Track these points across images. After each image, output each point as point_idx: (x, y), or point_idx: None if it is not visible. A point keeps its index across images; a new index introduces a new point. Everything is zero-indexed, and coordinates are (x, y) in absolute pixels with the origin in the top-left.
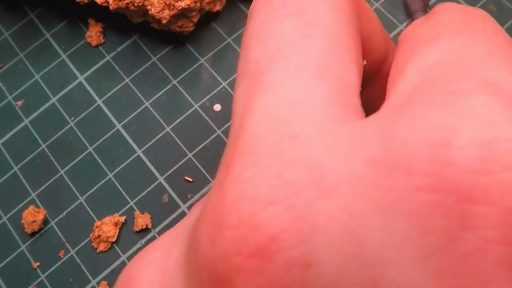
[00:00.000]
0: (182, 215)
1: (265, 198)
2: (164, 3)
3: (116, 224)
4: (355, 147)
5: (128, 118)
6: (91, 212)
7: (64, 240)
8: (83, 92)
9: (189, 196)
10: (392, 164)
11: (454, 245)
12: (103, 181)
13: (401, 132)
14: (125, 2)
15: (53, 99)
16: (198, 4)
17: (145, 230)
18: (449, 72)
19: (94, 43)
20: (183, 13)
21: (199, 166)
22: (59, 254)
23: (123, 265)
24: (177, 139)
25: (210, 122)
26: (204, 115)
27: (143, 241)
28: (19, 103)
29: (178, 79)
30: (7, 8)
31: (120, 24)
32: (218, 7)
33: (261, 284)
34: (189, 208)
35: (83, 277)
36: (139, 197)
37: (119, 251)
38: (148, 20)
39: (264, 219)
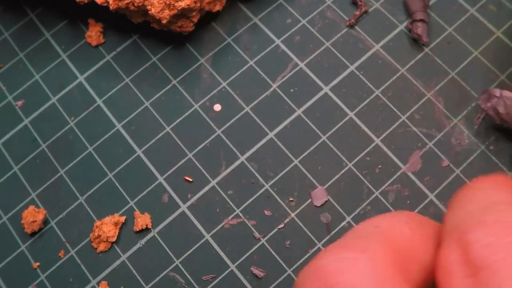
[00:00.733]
0: (182, 215)
1: None
2: (164, 3)
3: (116, 224)
4: None
5: (128, 118)
6: (91, 212)
7: (64, 240)
8: (83, 92)
9: (189, 196)
10: None
11: None
12: (103, 181)
13: None
14: (125, 2)
15: (53, 99)
16: (198, 4)
17: (145, 230)
18: None
19: (94, 43)
20: (183, 13)
21: (199, 166)
22: (59, 254)
23: (123, 265)
24: (177, 139)
25: (210, 122)
26: (204, 115)
27: (143, 241)
28: (19, 103)
29: (178, 79)
30: (7, 8)
31: (120, 24)
32: (218, 7)
33: None
34: (189, 208)
35: (83, 277)
36: (139, 197)
37: (119, 251)
38: (148, 20)
39: None
